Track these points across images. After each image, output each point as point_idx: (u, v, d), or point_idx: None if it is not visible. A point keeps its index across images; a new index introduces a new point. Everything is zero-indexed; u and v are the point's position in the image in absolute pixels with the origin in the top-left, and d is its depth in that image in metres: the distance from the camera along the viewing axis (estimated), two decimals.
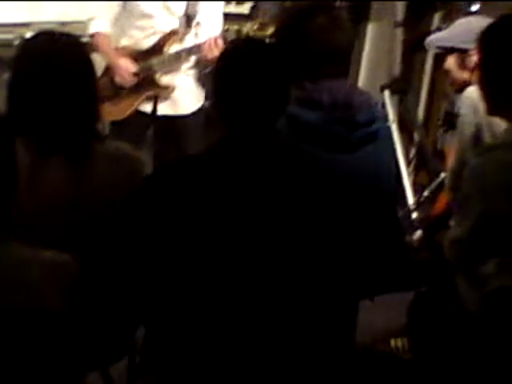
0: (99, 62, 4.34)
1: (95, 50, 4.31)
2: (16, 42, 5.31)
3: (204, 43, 4.10)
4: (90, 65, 2.42)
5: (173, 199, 2.10)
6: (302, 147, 2.43)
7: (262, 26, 4.12)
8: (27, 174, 2.24)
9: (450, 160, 3.44)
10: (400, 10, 4.86)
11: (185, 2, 4.16)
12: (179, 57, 4.20)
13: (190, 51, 4.16)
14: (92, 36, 4.31)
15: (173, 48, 4.21)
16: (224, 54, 2.32)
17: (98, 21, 4.27)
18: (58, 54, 2.35)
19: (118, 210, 2.16)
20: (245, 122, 2.18)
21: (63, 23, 5.42)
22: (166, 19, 4.19)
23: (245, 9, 4.59)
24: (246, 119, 2.18)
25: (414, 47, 5.37)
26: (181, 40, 4.21)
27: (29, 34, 5.24)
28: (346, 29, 2.56)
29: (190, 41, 4.22)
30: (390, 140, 2.86)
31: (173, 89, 4.25)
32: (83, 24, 5.33)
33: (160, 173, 2.24)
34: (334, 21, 2.53)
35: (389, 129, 2.87)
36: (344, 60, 2.62)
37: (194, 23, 4.21)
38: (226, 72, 2.24)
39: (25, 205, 2.20)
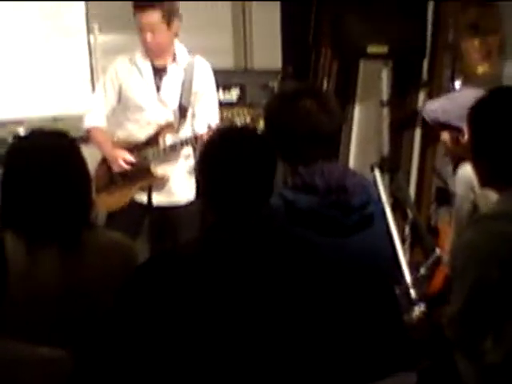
0: (96, 154, 4.40)
1: (91, 144, 4.38)
2: (9, 139, 5.38)
3: (199, 135, 4.15)
4: (80, 159, 2.47)
5: (165, 288, 2.09)
6: (297, 231, 2.43)
7: (256, 118, 4.19)
8: (20, 265, 2.28)
9: (445, 236, 3.44)
10: (385, 90, 4.93)
11: (178, 95, 4.22)
12: (174, 148, 4.24)
13: (185, 143, 4.19)
14: (88, 131, 4.36)
15: (168, 139, 4.26)
16: (209, 142, 2.35)
17: (93, 115, 4.34)
18: (48, 150, 2.40)
19: (112, 300, 2.16)
20: (232, 208, 2.19)
21: (56, 118, 5.50)
22: (160, 111, 4.26)
23: (232, 96, 4.66)
24: (232, 205, 2.20)
25: (401, 126, 5.44)
26: (176, 131, 4.27)
27: (22, 131, 5.35)
28: (332, 111, 2.59)
29: (185, 132, 4.26)
30: (384, 220, 2.87)
31: (167, 179, 4.28)
32: (76, 118, 5.44)
33: (152, 262, 2.24)
34: (320, 104, 2.56)
35: (382, 209, 2.88)
36: (332, 142, 2.66)
37: (188, 114, 4.27)
38: (210, 159, 2.27)
39: (18, 297, 2.24)
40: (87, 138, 4.49)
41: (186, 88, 4.24)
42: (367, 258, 2.56)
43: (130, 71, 4.26)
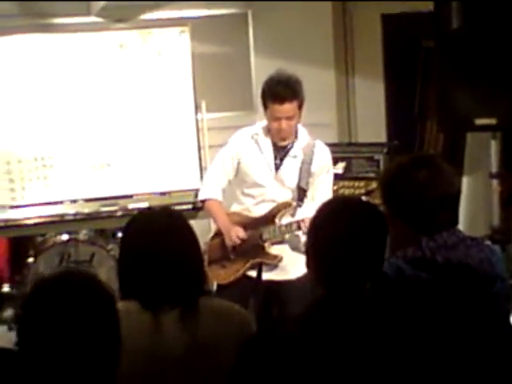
0: (201, 226, 4.45)
1: (207, 215, 4.43)
2: (119, 214, 5.52)
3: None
4: (191, 232, 2.54)
5: (274, 365, 2.05)
6: (410, 307, 2.35)
7: (369, 193, 4.16)
8: (146, 331, 2.38)
9: None
10: (494, 161, 4.87)
11: (297, 175, 4.25)
12: (290, 229, 4.22)
13: (300, 224, 4.14)
14: (203, 201, 4.42)
15: (284, 219, 4.26)
16: (318, 214, 2.33)
17: (209, 187, 4.37)
18: (165, 226, 2.50)
19: (225, 365, 2.15)
20: (341, 281, 2.17)
21: (163, 193, 5.62)
22: (276, 190, 4.25)
23: (338, 168, 4.66)
24: (342, 278, 2.17)
25: (511, 197, 5.34)
26: (292, 214, 4.27)
27: (131, 206, 5.49)
28: (452, 177, 2.56)
29: (301, 213, 4.22)
30: (509, 299, 2.72)
31: (280, 259, 4.26)
32: (183, 193, 5.56)
33: (260, 339, 2.21)
34: (439, 170, 2.52)
35: (508, 287, 2.71)
36: (456, 206, 2.60)
37: (305, 196, 4.26)
38: (319, 230, 2.26)
39: (145, 360, 2.34)
40: (198, 209, 4.55)
41: (305, 169, 4.22)
42: (488, 341, 2.45)
43: (250, 147, 4.28)
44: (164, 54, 5.56)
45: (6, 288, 5.71)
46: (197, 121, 5.70)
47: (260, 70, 6.06)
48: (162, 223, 2.51)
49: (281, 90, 4.07)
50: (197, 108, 5.68)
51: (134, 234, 2.53)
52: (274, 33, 6.28)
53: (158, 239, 2.45)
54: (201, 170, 5.63)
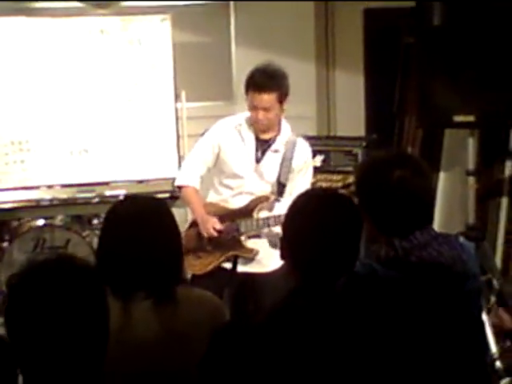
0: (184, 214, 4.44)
1: (183, 202, 4.41)
2: (95, 200, 5.51)
3: None
4: (172, 221, 2.55)
5: (244, 356, 2.04)
6: (381, 306, 2.32)
7: (348, 186, 4.17)
8: (116, 320, 2.29)
9: None
10: (471, 159, 4.89)
11: (277, 170, 4.24)
12: (267, 223, 4.22)
13: (278, 219, 4.12)
14: (179, 187, 4.41)
15: (262, 213, 4.26)
16: (294, 205, 2.34)
17: (186, 174, 4.35)
18: (144, 213, 2.49)
19: (198, 354, 2.16)
20: (315, 273, 2.18)
21: (141, 181, 5.61)
22: (255, 182, 4.25)
23: (316, 162, 4.65)
24: (316, 270, 2.18)
25: (487, 194, 5.38)
26: (270, 209, 4.26)
27: (108, 193, 5.47)
28: (427, 178, 2.52)
29: (279, 208, 4.23)
30: (480, 293, 2.70)
31: (256, 253, 4.25)
32: (161, 182, 5.55)
33: (232, 330, 2.21)
34: (413, 171, 2.47)
35: (480, 285, 2.69)
36: (430, 208, 2.57)
37: (285, 191, 4.26)
38: (294, 221, 2.27)
39: (116, 350, 2.29)
40: (175, 198, 4.53)
41: (285, 164, 4.23)
42: (460, 339, 2.45)
43: (233, 137, 4.26)
44: (144, 41, 5.55)
45: None
46: (176, 110, 5.69)
47: (240, 60, 6.05)
48: (145, 207, 2.51)
49: (262, 80, 4.08)
50: (176, 97, 5.67)
51: (116, 218, 2.52)
52: (255, 24, 6.27)
53: (139, 223, 2.45)
54: (179, 159, 5.62)
